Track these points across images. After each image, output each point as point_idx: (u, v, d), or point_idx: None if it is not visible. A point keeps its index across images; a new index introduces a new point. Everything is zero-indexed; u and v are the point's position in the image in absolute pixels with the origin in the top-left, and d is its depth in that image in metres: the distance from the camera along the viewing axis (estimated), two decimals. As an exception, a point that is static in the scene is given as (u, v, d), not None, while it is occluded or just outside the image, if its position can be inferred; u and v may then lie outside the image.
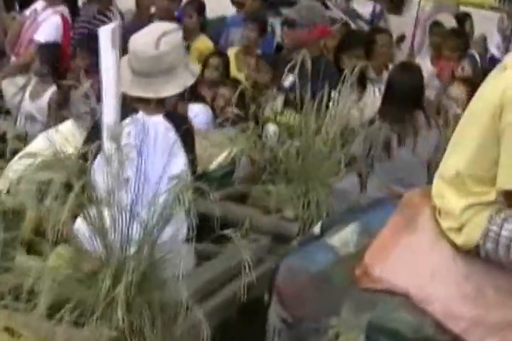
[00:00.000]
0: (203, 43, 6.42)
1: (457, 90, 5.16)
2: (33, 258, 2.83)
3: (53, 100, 5.71)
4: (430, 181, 4.43)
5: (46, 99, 5.72)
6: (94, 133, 3.06)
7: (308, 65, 4.30)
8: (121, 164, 2.63)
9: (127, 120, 3.10)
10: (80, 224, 2.75)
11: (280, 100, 5.13)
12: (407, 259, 2.57)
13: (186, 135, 3.22)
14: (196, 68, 3.36)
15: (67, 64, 5.98)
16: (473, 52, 6.36)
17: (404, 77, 4.73)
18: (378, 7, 7.08)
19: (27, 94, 5.79)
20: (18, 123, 5.64)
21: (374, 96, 5.25)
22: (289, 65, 4.41)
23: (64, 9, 6.10)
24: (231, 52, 6.36)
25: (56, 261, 2.75)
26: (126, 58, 3.26)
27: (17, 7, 6.87)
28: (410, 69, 4.91)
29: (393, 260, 2.58)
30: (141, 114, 3.18)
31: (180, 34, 3.34)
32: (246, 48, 6.40)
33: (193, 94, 5.52)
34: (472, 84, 5.31)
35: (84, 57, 5.83)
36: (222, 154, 3.99)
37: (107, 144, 2.74)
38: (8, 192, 3.09)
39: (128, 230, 2.65)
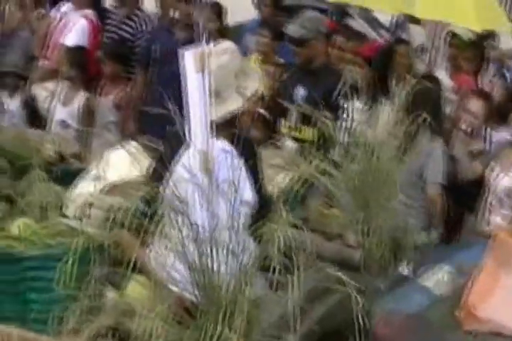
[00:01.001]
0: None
1: (475, 104, 5.17)
2: (122, 295, 2.76)
3: (84, 106, 5.84)
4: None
5: (77, 105, 5.85)
6: (164, 157, 2.97)
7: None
8: (215, 197, 2.56)
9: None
10: (162, 257, 2.66)
11: (294, 114, 5.14)
12: (509, 300, 2.55)
13: (252, 160, 3.11)
14: (250, 92, 3.19)
15: (95, 69, 6.06)
16: (504, 70, 6.30)
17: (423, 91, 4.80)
18: (399, 16, 7.10)
19: (58, 100, 5.88)
20: (50, 129, 5.74)
21: (387, 111, 5.24)
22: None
23: (91, 13, 6.13)
24: (250, 60, 6.19)
25: (133, 293, 2.74)
26: None
27: (47, 5, 6.85)
28: (430, 82, 4.97)
29: (496, 300, 2.55)
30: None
31: (231, 55, 3.17)
32: (264, 56, 6.22)
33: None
34: (489, 98, 5.41)
35: (112, 64, 5.97)
36: (280, 177, 3.88)
37: (199, 174, 2.64)
38: (77, 218, 3.12)
39: (227, 268, 2.55)
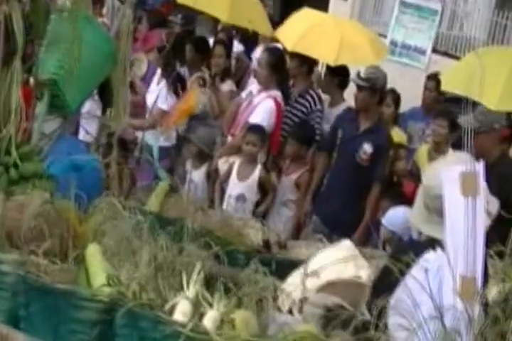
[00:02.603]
0: (397, 136, 6.45)
1: None
2: None
3: (261, 180, 6.02)
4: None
5: (255, 179, 6.03)
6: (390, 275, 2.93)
7: None
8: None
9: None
10: None
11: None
12: None
13: None
14: (494, 209, 3.12)
15: (276, 147, 6.26)
16: None
17: None
18: None
19: (236, 175, 6.09)
20: (226, 203, 5.94)
21: None
22: None
23: (277, 93, 6.23)
24: (423, 149, 6.34)
25: None
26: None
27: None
28: None
29: None
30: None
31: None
32: (437, 145, 6.16)
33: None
34: None
35: (295, 144, 6.16)
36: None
37: (455, 300, 2.62)
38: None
39: None
